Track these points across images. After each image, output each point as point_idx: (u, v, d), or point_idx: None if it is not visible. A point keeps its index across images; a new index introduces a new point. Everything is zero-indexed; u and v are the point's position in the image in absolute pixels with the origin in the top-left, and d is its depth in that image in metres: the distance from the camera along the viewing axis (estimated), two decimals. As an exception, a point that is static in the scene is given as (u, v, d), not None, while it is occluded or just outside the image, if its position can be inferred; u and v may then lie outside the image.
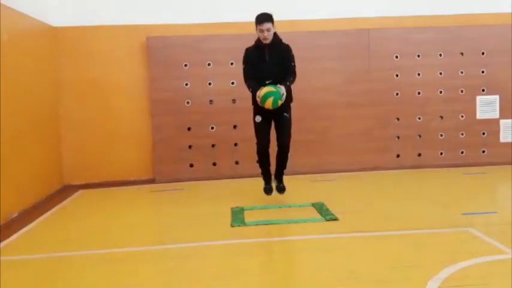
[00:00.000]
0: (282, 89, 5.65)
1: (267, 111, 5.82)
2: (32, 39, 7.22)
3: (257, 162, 6.25)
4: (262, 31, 5.77)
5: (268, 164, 6.13)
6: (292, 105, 6.02)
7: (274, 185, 6.22)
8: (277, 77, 5.77)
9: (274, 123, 6.02)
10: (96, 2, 8.14)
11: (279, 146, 6.04)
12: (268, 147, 6.01)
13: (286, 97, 5.76)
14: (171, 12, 8.22)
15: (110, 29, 8.16)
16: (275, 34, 5.89)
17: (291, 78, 5.87)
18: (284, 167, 6.16)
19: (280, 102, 5.64)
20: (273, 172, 6.24)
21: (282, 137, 6.01)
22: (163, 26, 8.21)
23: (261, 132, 5.98)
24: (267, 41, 5.82)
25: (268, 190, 6.20)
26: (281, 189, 6.19)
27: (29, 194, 6.78)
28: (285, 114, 5.95)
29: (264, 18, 5.78)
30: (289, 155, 6.11)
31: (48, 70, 7.81)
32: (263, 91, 5.63)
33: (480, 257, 4.19)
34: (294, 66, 5.92)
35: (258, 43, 5.93)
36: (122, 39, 8.21)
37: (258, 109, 5.91)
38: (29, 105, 6.90)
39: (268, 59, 5.86)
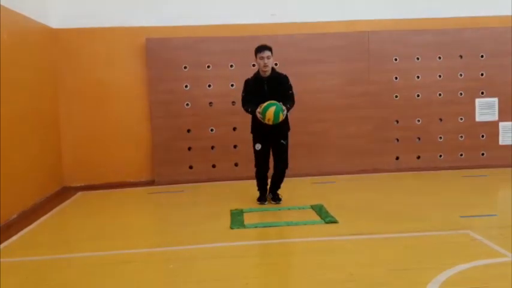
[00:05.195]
0: (283, 106, 5.92)
1: (266, 138, 6.20)
2: (32, 41, 7.23)
3: (256, 184, 6.53)
4: (262, 58, 6.07)
5: (266, 184, 6.50)
6: (289, 134, 6.30)
7: (269, 197, 6.50)
8: None
9: (272, 150, 6.34)
10: (95, 4, 8.14)
11: (276, 169, 6.38)
12: (267, 171, 6.39)
13: (284, 125, 6.14)
14: (170, 14, 8.23)
15: (109, 31, 8.17)
16: (273, 69, 6.20)
17: (290, 103, 6.12)
18: (279, 186, 6.49)
19: (281, 116, 5.88)
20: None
21: (279, 162, 6.34)
22: (162, 28, 8.22)
23: (261, 159, 6.33)
24: (267, 69, 6.11)
25: (261, 199, 6.45)
26: (277, 199, 6.46)
27: (29, 195, 6.78)
28: (282, 141, 6.27)
29: (264, 47, 6.11)
30: (285, 173, 6.42)
31: (48, 72, 7.81)
32: (264, 104, 5.89)
33: (479, 260, 4.19)
34: (292, 94, 6.20)
35: (257, 75, 6.23)
36: (121, 40, 8.21)
37: (257, 137, 6.27)
38: (28, 106, 6.90)
39: (268, 90, 6.10)
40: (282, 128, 6.18)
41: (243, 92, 6.30)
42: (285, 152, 6.33)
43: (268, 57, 6.10)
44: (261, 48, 6.15)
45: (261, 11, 8.20)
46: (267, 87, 6.14)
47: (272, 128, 6.03)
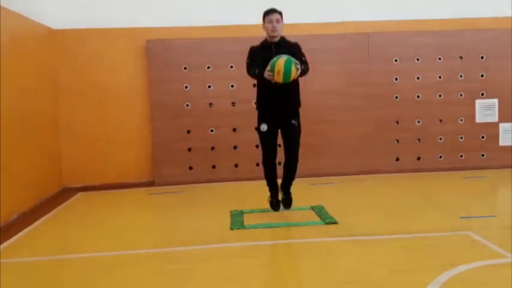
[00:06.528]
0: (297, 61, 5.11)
1: (273, 117, 5.46)
2: (32, 42, 7.23)
3: (264, 176, 5.84)
4: (271, 21, 5.37)
5: (275, 176, 5.75)
6: (300, 111, 5.63)
7: (280, 197, 5.89)
8: None
9: (281, 132, 5.61)
10: (95, 5, 8.15)
11: (286, 156, 5.65)
12: (275, 158, 5.65)
13: (294, 101, 5.44)
14: (170, 15, 8.24)
15: (109, 32, 8.17)
16: (282, 36, 5.52)
17: (305, 66, 5.33)
18: (292, 178, 5.78)
19: (294, 70, 5.01)
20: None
21: (289, 146, 5.58)
22: (163, 29, 8.23)
23: (267, 142, 5.57)
24: (276, 33, 5.39)
25: (275, 205, 5.83)
26: (288, 201, 5.84)
27: (28, 196, 6.78)
28: (293, 121, 5.52)
29: (273, 9, 5.43)
30: (297, 165, 5.71)
31: (48, 73, 7.82)
32: (273, 59, 5.09)
33: (479, 261, 4.19)
34: (306, 61, 5.43)
35: (264, 42, 5.54)
36: (121, 41, 8.22)
37: (263, 116, 5.55)
38: (28, 107, 6.90)
39: (276, 56, 5.27)
40: (292, 101, 5.39)
41: (247, 59, 5.50)
42: (297, 135, 5.53)
43: (277, 21, 5.36)
44: (269, 11, 5.43)
45: (262, 11, 8.17)
46: (274, 52, 5.31)
47: (282, 102, 5.25)
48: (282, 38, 5.51)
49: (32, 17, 7.21)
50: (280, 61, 5.02)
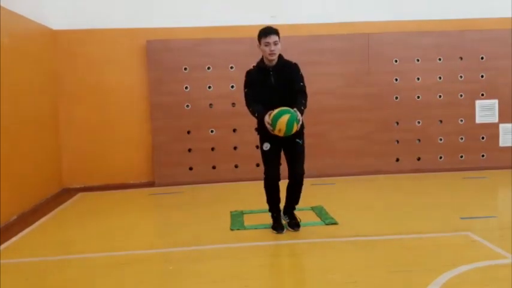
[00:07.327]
0: (298, 113, 4.84)
1: (277, 138, 4.98)
2: (32, 42, 7.23)
3: (266, 201, 5.35)
4: (268, 44, 4.95)
5: (278, 200, 5.31)
6: (304, 132, 5.21)
7: (284, 221, 5.39)
8: (287, 102, 4.92)
9: (284, 152, 5.22)
10: (96, 5, 8.15)
11: (291, 177, 5.20)
12: (278, 179, 5.19)
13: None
14: (171, 15, 8.24)
15: (109, 32, 8.17)
16: (280, 56, 5.10)
17: (303, 101, 5.00)
18: (297, 201, 5.35)
19: (295, 127, 4.78)
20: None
21: (295, 165, 5.14)
22: (163, 30, 8.23)
23: (270, 162, 5.13)
24: (274, 57, 5.01)
25: (278, 228, 5.26)
26: (295, 225, 5.32)
27: (29, 196, 6.78)
28: (298, 140, 5.11)
29: (270, 30, 4.99)
30: (302, 187, 5.28)
31: (48, 73, 7.82)
32: (274, 111, 4.80)
33: (479, 262, 4.19)
34: (304, 86, 5.09)
35: (261, 64, 5.12)
36: (121, 42, 8.22)
37: (265, 135, 5.08)
38: (28, 108, 6.90)
39: (275, 82, 5.05)
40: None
41: (245, 87, 5.16)
42: (301, 153, 5.14)
43: (275, 43, 4.94)
44: (266, 32, 4.97)
45: (261, 12, 8.20)
46: (273, 78, 5.03)
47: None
48: (280, 58, 5.11)
49: (33, 18, 7.21)
50: (283, 120, 4.74)
